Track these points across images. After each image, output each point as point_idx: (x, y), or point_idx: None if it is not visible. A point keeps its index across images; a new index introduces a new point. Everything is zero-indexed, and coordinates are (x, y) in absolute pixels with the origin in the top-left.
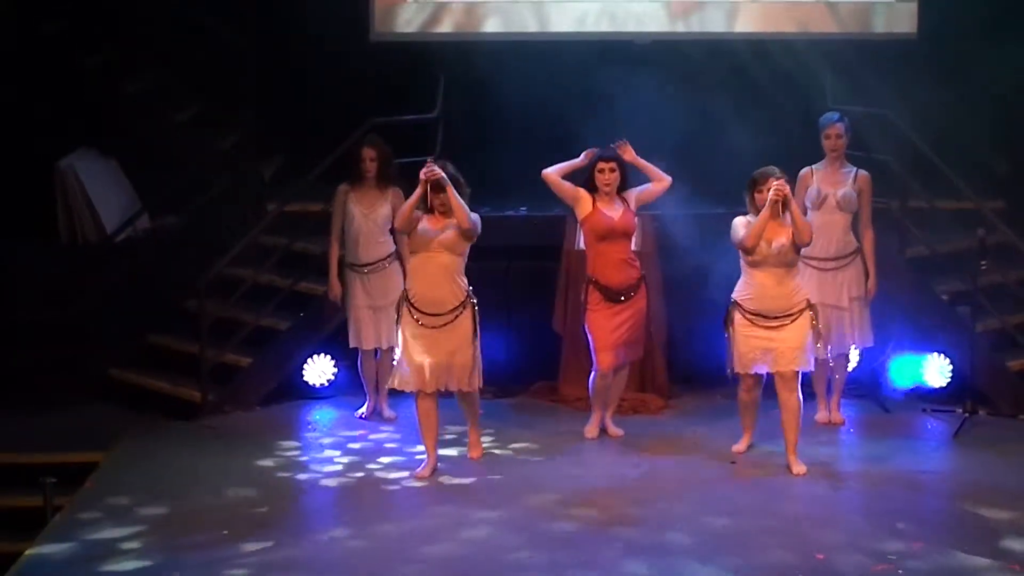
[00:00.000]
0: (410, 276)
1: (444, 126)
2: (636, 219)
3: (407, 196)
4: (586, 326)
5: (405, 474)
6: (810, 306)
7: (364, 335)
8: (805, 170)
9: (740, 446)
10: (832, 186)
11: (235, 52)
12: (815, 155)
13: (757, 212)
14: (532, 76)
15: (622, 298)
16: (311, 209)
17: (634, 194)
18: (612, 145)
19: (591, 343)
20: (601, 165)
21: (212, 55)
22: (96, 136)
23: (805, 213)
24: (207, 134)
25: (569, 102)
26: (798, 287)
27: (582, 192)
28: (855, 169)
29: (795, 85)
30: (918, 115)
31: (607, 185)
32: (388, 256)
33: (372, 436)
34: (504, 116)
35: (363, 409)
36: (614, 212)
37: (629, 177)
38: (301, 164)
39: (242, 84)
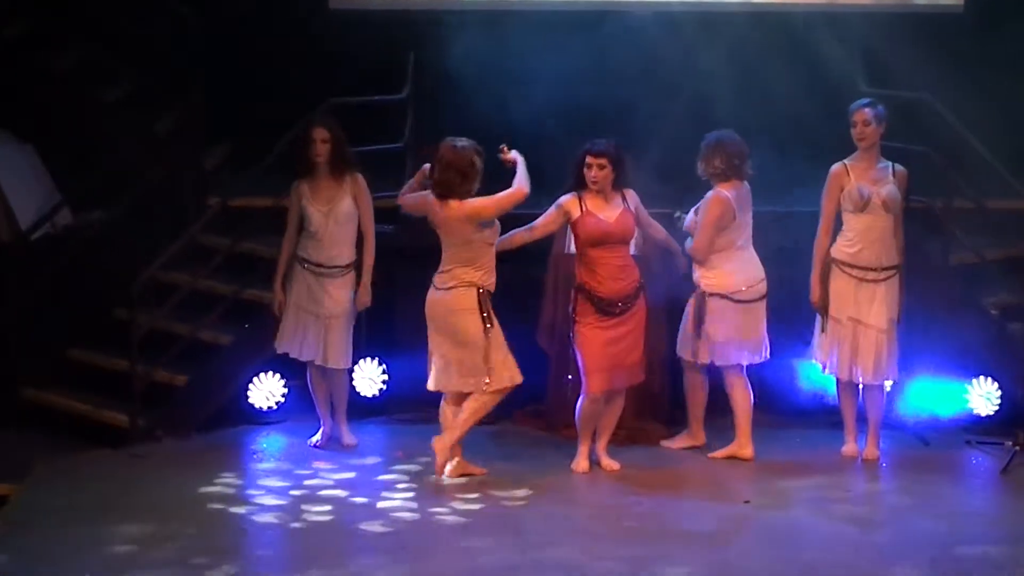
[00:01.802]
0: (493, 271)
1: (414, 109)
2: (635, 219)
3: (370, 183)
4: (574, 343)
5: (364, 509)
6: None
7: (305, 344)
8: (838, 167)
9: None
10: (874, 184)
11: (173, 22)
12: (842, 143)
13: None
14: (516, 52)
15: (616, 310)
16: (259, 204)
17: (638, 202)
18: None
19: (580, 363)
20: (589, 160)
21: (146, 25)
22: (9, 117)
23: (837, 212)
24: (139, 117)
25: (559, 82)
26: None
27: (564, 204)
28: (891, 164)
29: (822, 64)
30: (964, 101)
31: (595, 183)
32: (348, 264)
33: (328, 467)
34: (483, 98)
35: (317, 436)
36: (609, 213)
37: (628, 173)
38: (248, 153)
39: (181, 59)
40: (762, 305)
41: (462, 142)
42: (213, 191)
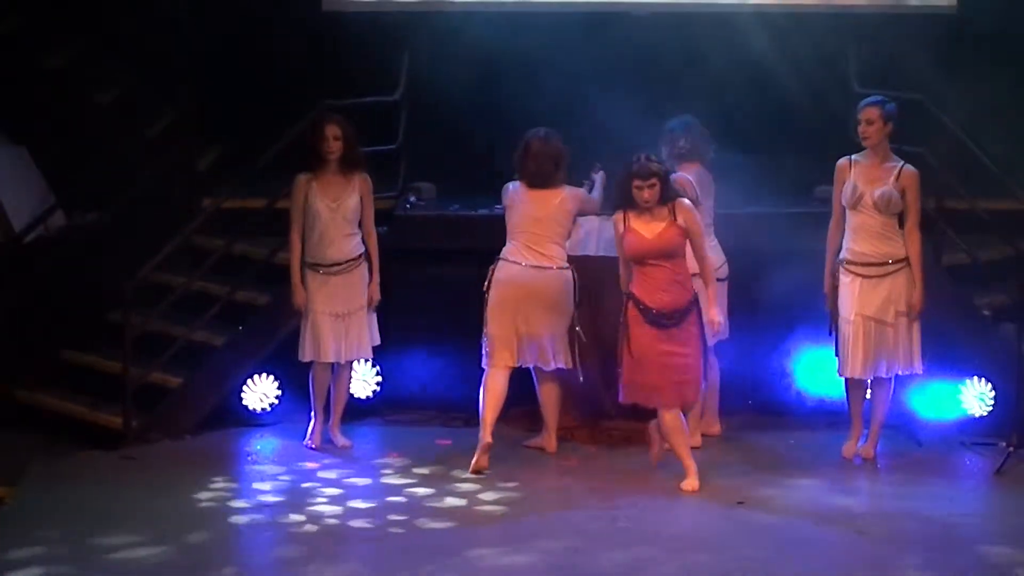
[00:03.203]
0: None
1: (408, 111)
2: (683, 234)
3: (375, 183)
4: (625, 357)
5: (357, 510)
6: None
7: (324, 346)
8: (842, 161)
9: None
10: (870, 183)
11: (166, 22)
12: (835, 142)
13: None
14: (511, 53)
15: (667, 322)
16: (252, 206)
17: (689, 216)
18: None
19: (640, 381)
20: (638, 183)
21: (140, 26)
22: (2, 118)
23: (843, 210)
24: (133, 118)
25: (554, 83)
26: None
27: (615, 223)
28: (900, 164)
29: (815, 66)
30: (957, 101)
31: (647, 203)
32: (358, 256)
33: (321, 469)
34: (477, 99)
35: (310, 435)
36: (651, 228)
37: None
38: (242, 154)
39: (174, 60)
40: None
41: (544, 132)
42: (207, 192)
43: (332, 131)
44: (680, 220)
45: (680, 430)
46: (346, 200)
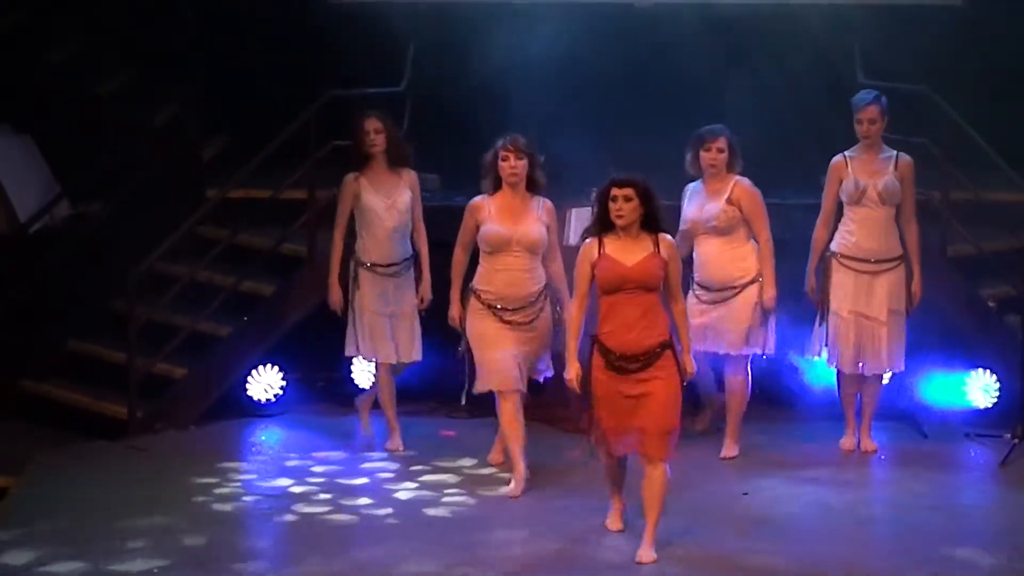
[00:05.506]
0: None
1: (413, 101)
2: (664, 267)
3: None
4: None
5: (362, 501)
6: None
7: (381, 346)
8: (838, 158)
9: None
10: (871, 176)
11: (170, 13)
12: (841, 133)
13: (700, 173)
14: (515, 44)
15: (632, 367)
16: (257, 196)
17: (673, 254)
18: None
19: (594, 419)
20: (614, 192)
21: (143, 16)
22: (7, 109)
23: (840, 206)
24: (137, 108)
25: (558, 75)
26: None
27: (584, 252)
28: (895, 154)
29: (821, 56)
30: (962, 92)
31: (620, 216)
32: (410, 257)
33: (326, 459)
34: (482, 90)
35: (395, 442)
36: (630, 256)
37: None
38: (246, 144)
39: (178, 50)
40: None
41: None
42: (211, 183)
43: (372, 124)
44: (663, 252)
45: (658, 492)
46: (399, 196)
